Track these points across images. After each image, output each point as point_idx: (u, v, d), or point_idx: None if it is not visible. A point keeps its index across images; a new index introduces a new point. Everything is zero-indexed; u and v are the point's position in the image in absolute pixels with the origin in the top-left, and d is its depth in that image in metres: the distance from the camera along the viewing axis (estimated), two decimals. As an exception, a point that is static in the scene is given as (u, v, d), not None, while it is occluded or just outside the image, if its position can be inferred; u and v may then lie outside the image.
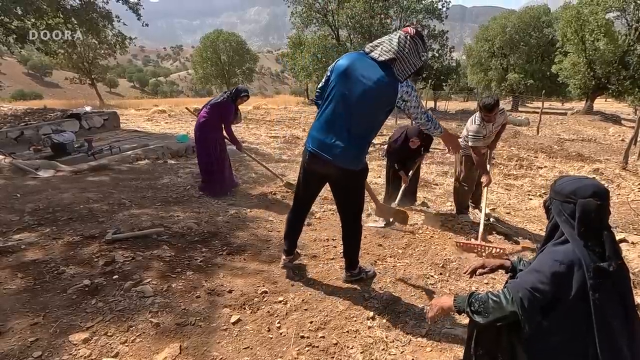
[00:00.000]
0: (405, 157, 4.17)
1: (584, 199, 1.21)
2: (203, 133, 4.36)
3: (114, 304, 2.14)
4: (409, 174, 4.18)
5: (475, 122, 3.55)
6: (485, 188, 3.61)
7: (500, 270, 1.63)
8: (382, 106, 2.07)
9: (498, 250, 3.13)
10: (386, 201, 4.31)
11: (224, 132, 4.40)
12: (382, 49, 2.01)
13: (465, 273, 1.65)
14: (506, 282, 1.61)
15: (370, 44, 2.10)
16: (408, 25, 2.08)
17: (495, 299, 1.26)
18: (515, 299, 1.21)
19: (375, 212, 3.63)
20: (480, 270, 1.62)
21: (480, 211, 4.04)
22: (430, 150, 8.21)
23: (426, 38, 2.09)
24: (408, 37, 1.97)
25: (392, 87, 2.00)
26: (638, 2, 19.09)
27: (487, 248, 3.15)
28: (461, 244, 3.23)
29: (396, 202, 3.97)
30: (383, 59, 1.99)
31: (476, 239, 3.33)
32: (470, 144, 3.59)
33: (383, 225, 3.61)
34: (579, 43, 20.70)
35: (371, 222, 3.73)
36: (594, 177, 6.00)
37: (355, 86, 2.02)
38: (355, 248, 2.50)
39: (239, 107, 4.47)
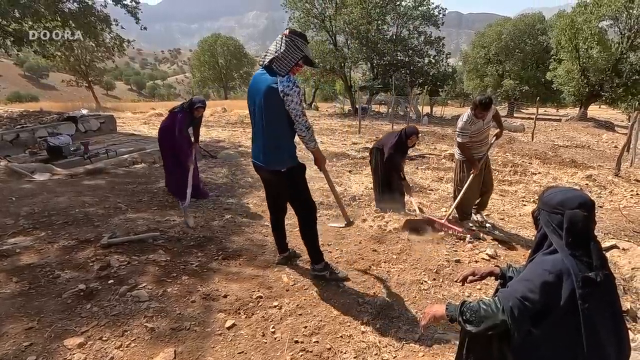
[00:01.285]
0: (398, 160, 4.25)
1: (571, 210, 1.24)
2: (165, 138, 4.39)
3: (109, 308, 2.15)
4: (402, 175, 4.30)
5: (463, 119, 3.69)
6: (472, 176, 3.74)
7: (490, 277, 1.66)
8: (276, 105, 2.21)
9: (457, 231, 3.63)
10: (379, 204, 4.42)
11: (179, 139, 4.29)
12: (268, 54, 2.27)
13: (457, 281, 1.68)
14: (497, 289, 1.65)
15: (262, 54, 2.34)
16: (287, 29, 2.33)
17: (486, 308, 1.28)
18: (506, 308, 1.23)
19: (344, 214, 3.05)
20: (470, 278, 1.65)
21: (480, 217, 4.16)
22: (426, 156, 8.33)
23: (306, 34, 2.35)
24: (284, 37, 2.23)
25: (275, 82, 2.19)
26: (630, 11, 19.40)
27: (448, 228, 3.70)
28: (427, 218, 3.82)
29: (417, 211, 4.22)
30: (267, 62, 2.25)
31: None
32: (458, 139, 3.74)
33: (343, 225, 3.10)
34: (573, 51, 21.00)
35: (332, 222, 3.77)
36: (581, 188, 6.07)
37: (255, 99, 2.32)
38: (310, 243, 2.60)
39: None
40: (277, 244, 2.89)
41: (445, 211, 4.60)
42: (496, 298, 1.30)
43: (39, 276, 2.45)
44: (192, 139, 4.53)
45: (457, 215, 4.08)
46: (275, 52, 2.22)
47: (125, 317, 2.09)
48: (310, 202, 2.53)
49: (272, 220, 2.79)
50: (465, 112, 3.74)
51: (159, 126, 4.58)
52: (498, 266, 1.66)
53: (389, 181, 4.33)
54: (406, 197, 4.39)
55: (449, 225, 3.75)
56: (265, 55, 2.28)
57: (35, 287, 2.33)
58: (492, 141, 3.98)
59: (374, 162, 4.52)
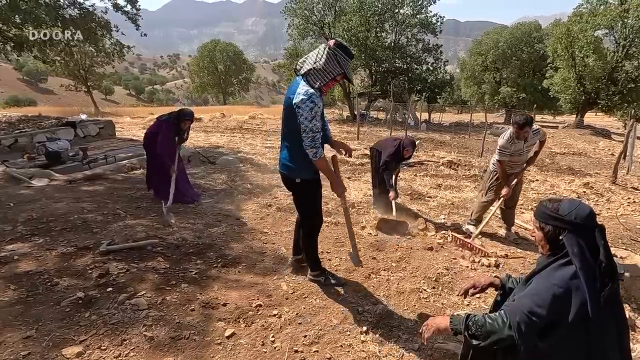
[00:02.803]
0: (393, 166, 4.49)
1: (596, 224, 1.25)
2: (149, 145, 4.44)
3: (108, 317, 2.14)
4: (394, 186, 4.45)
5: (504, 137, 3.68)
6: (502, 199, 3.80)
7: (490, 288, 1.66)
8: (294, 117, 2.17)
9: (480, 251, 3.53)
10: (375, 202, 4.72)
11: (158, 149, 4.29)
12: (307, 62, 2.20)
13: (459, 295, 1.68)
14: (495, 299, 1.66)
15: (301, 60, 2.26)
16: (333, 38, 2.21)
17: (492, 322, 1.27)
18: (513, 322, 1.22)
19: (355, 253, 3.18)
20: (472, 291, 1.65)
21: (508, 234, 4.15)
22: (424, 162, 8.36)
23: (350, 48, 2.22)
24: (327, 48, 2.14)
25: (294, 93, 2.16)
26: (625, 20, 19.67)
27: (475, 249, 3.55)
28: (456, 239, 3.72)
29: (393, 213, 4.17)
30: (303, 71, 2.19)
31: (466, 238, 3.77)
32: (496, 157, 3.77)
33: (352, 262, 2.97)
34: (569, 59, 21.23)
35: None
36: (579, 196, 6.10)
37: (284, 105, 2.29)
38: (308, 251, 2.67)
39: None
40: (293, 245, 2.94)
41: (445, 218, 4.63)
42: (502, 312, 1.28)
43: (37, 284, 2.43)
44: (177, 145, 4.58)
45: (473, 224, 4.12)
46: (314, 63, 2.14)
47: (124, 325, 2.07)
48: (315, 213, 2.55)
49: (297, 220, 2.84)
50: (508, 131, 3.69)
51: (148, 128, 4.61)
52: (497, 277, 1.67)
53: (383, 182, 4.51)
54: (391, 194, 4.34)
55: (476, 246, 3.63)
56: (304, 62, 2.21)
57: (34, 294, 2.31)
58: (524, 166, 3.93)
59: (373, 163, 4.79)
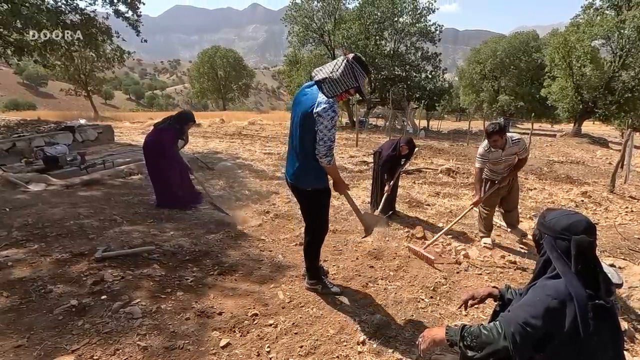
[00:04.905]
0: (393, 165, 4.60)
1: (577, 235, 1.24)
2: (150, 156, 4.43)
3: (102, 325, 2.11)
4: (391, 182, 4.54)
5: (482, 145, 3.78)
6: (472, 207, 3.80)
7: (489, 298, 1.65)
8: (311, 127, 2.17)
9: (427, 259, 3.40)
10: (372, 207, 4.78)
11: (169, 157, 4.39)
12: (323, 71, 2.21)
13: (457, 309, 1.68)
14: (494, 310, 1.64)
15: (317, 69, 2.27)
16: (352, 52, 2.25)
17: (487, 333, 1.26)
18: (507, 333, 1.21)
19: (365, 226, 3.41)
20: (470, 302, 1.65)
21: (514, 233, 4.22)
22: (423, 170, 8.37)
23: (368, 63, 2.28)
24: (345, 60, 2.16)
25: (313, 102, 2.16)
26: (622, 31, 19.90)
27: (426, 259, 3.43)
28: (412, 250, 3.62)
29: (379, 209, 4.33)
30: (318, 78, 2.19)
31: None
32: (475, 164, 3.82)
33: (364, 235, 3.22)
34: (567, 68, 21.44)
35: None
36: (577, 205, 6.09)
37: (294, 115, 2.31)
38: (309, 260, 2.65)
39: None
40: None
41: (443, 226, 4.61)
42: (497, 323, 1.28)
43: (31, 291, 2.40)
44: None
45: (485, 235, 4.12)
46: (331, 73, 2.15)
47: (118, 334, 2.04)
48: (322, 224, 2.55)
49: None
50: (485, 140, 3.78)
51: (146, 137, 4.57)
52: (496, 287, 1.66)
53: (382, 187, 4.61)
54: (386, 187, 4.48)
55: (427, 255, 3.46)
56: (320, 70, 2.23)
57: (27, 302, 2.28)
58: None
59: (374, 166, 4.92)
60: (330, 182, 2.43)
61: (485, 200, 3.96)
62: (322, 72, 2.19)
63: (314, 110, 2.13)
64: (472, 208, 3.82)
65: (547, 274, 1.30)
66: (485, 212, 4.03)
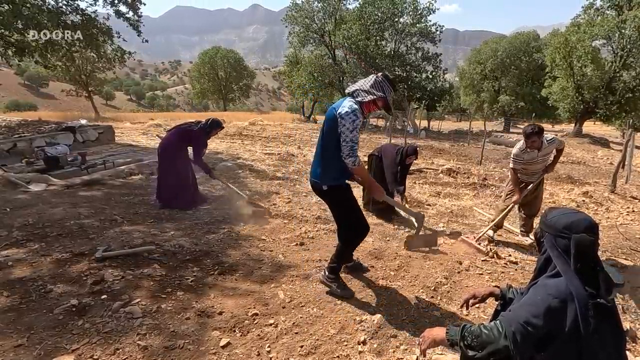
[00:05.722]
0: (402, 173, 4.57)
1: (577, 234, 1.23)
2: (169, 155, 4.42)
3: (102, 325, 2.10)
4: (404, 192, 4.56)
5: (517, 146, 3.83)
6: (511, 205, 3.91)
7: (490, 298, 1.64)
8: (335, 128, 2.36)
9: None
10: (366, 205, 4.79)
11: (194, 161, 4.49)
12: (354, 85, 2.47)
13: (460, 308, 1.67)
14: (496, 309, 1.63)
15: (351, 86, 2.52)
16: (382, 73, 2.53)
17: (488, 332, 1.25)
18: (508, 333, 1.20)
19: (408, 247, 3.67)
20: (472, 301, 1.64)
21: (525, 237, 4.30)
22: (424, 170, 8.36)
23: (396, 81, 2.48)
24: (375, 76, 2.46)
25: (338, 106, 2.38)
26: (623, 31, 19.88)
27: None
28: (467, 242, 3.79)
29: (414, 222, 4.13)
30: (349, 90, 2.45)
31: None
32: (510, 165, 3.93)
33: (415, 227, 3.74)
34: (567, 68, 21.42)
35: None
36: (578, 205, 6.07)
37: (327, 118, 2.49)
38: (337, 256, 2.69)
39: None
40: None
41: (444, 226, 4.60)
42: (498, 322, 1.27)
43: (31, 290, 2.40)
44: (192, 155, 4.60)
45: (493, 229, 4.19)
46: (361, 85, 2.41)
47: (118, 334, 2.04)
48: (353, 224, 2.60)
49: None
50: (521, 140, 3.81)
51: (164, 137, 4.60)
52: (498, 287, 1.65)
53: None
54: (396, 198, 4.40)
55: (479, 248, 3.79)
56: (352, 86, 2.47)
57: (27, 301, 2.28)
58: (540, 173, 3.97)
59: (371, 169, 4.79)
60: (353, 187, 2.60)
61: (508, 200, 4.05)
62: (354, 86, 2.45)
63: (337, 112, 2.33)
64: (512, 206, 3.95)
65: (548, 273, 1.30)
66: (502, 207, 4.11)
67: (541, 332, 1.19)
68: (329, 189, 2.50)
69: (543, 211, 1.45)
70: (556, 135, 4.84)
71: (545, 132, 3.64)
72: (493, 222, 4.05)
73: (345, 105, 2.34)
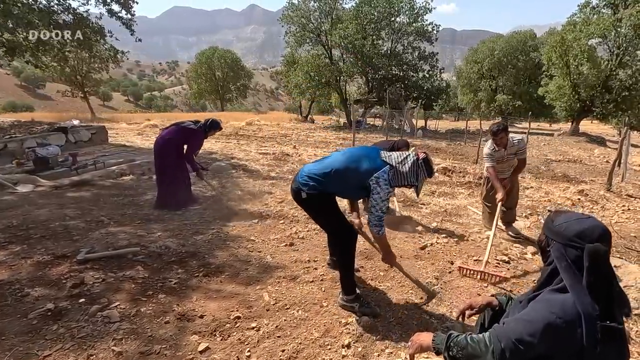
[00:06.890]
0: None
1: (591, 243, 1.08)
2: (167, 153, 4.34)
3: (77, 330, 2.04)
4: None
5: (487, 146, 4.00)
6: (500, 204, 3.81)
7: (488, 307, 1.57)
8: (364, 179, 2.22)
9: (497, 278, 3.04)
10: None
11: (185, 157, 4.42)
12: (392, 157, 2.30)
13: (456, 319, 1.60)
14: (484, 314, 1.57)
15: (388, 153, 2.36)
16: (424, 152, 2.34)
17: (474, 345, 1.17)
18: (496, 348, 1.11)
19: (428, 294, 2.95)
20: (468, 312, 1.56)
21: (509, 230, 4.25)
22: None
23: (432, 163, 2.40)
24: (417, 159, 2.26)
25: (376, 166, 2.23)
26: (619, 30, 19.88)
27: (487, 276, 3.05)
28: (464, 270, 3.15)
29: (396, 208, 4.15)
30: (384, 159, 2.28)
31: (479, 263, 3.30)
32: (485, 164, 4.04)
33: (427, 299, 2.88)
34: (564, 67, 21.39)
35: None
36: (573, 203, 6.02)
37: (351, 158, 2.34)
38: (341, 270, 2.49)
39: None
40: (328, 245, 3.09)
41: (437, 225, 4.54)
42: (487, 335, 1.18)
43: (7, 294, 2.33)
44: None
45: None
46: (398, 164, 2.24)
47: (93, 339, 1.97)
48: (339, 229, 2.45)
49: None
50: (490, 139, 3.98)
51: (160, 134, 4.48)
52: (495, 296, 1.57)
53: None
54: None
55: (489, 272, 3.12)
56: (389, 156, 2.30)
57: (1, 306, 2.21)
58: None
59: None
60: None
61: (487, 197, 4.21)
62: (390, 158, 2.28)
63: (375, 175, 2.19)
64: (501, 206, 3.87)
65: (552, 285, 1.16)
66: (488, 209, 4.24)
67: (533, 353, 1.08)
68: (308, 197, 2.34)
69: (548, 214, 1.35)
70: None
71: (509, 132, 3.86)
72: (492, 233, 3.64)
73: (385, 172, 2.20)
